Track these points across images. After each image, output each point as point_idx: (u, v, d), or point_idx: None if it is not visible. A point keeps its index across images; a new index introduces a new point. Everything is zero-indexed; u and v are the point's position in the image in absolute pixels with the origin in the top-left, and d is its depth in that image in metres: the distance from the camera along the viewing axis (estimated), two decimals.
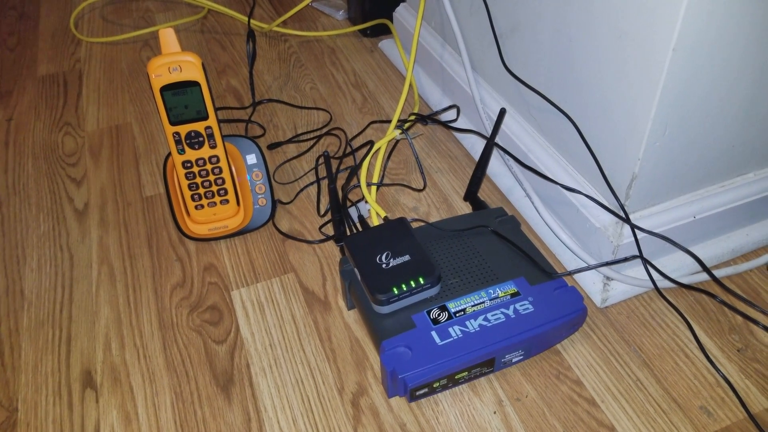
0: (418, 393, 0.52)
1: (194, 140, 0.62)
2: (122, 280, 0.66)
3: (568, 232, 0.64)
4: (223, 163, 0.65)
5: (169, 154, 0.70)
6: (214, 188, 0.66)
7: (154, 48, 1.04)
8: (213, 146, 0.63)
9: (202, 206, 0.67)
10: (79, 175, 0.80)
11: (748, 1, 0.47)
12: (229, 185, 0.67)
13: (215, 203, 0.67)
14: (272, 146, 0.82)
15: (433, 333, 0.53)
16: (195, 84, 0.60)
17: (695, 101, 0.52)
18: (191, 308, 0.63)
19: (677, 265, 0.63)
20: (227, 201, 0.68)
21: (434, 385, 0.52)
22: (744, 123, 0.57)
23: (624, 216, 0.58)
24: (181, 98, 0.60)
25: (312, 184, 0.76)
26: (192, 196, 0.66)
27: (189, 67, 0.59)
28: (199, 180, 0.65)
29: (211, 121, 0.62)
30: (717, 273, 0.62)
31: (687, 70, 0.49)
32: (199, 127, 0.62)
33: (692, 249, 0.61)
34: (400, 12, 0.96)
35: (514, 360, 0.55)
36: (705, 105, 0.53)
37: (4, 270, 0.68)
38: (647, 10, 0.48)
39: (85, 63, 1.02)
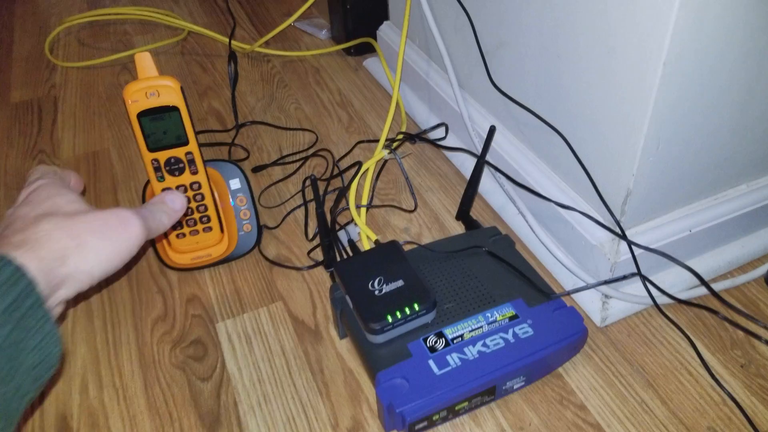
0: (417, 427, 0.49)
1: (174, 167, 0.60)
2: (100, 316, 0.63)
3: (563, 250, 0.63)
4: (205, 190, 0.63)
5: (149, 181, 0.67)
6: (196, 216, 0.64)
7: (132, 71, 1.02)
8: (194, 172, 0.61)
9: (184, 235, 0.65)
10: None
11: (736, 13, 0.46)
12: (211, 212, 0.64)
13: (197, 231, 0.65)
14: (257, 169, 0.80)
15: (431, 362, 0.51)
16: (174, 109, 0.57)
17: (687, 115, 0.51)
18: (174, 343, 0.60)
19: (675, 280, 0.62)
20: (210, 228, 0.65)
21: (434, 418, 0.50)
22: (735, 135, 0.56)
23: (620, 232, 0.57)
24: (160, 124, 0.58)
25: (299, 207, 0.74)
26: (173, 225, 0.64)
27: (167, 92, 0.57)
28: None
29: (192, 146, 0.60)
30: (715, 286, 0.61)
31: (678, 84, 0.48)
32: (179, 152, 0.60)
33: (689, 263, 0.60)
34: (384, 30, 0.95)
35: (515, 387, 0.53)
36: (697, 118, 0.52)
37: None
38: (635, 25, 0.47)
39: (61, 88, 0.99)
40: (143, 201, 0.68)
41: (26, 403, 0.35)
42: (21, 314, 0.34)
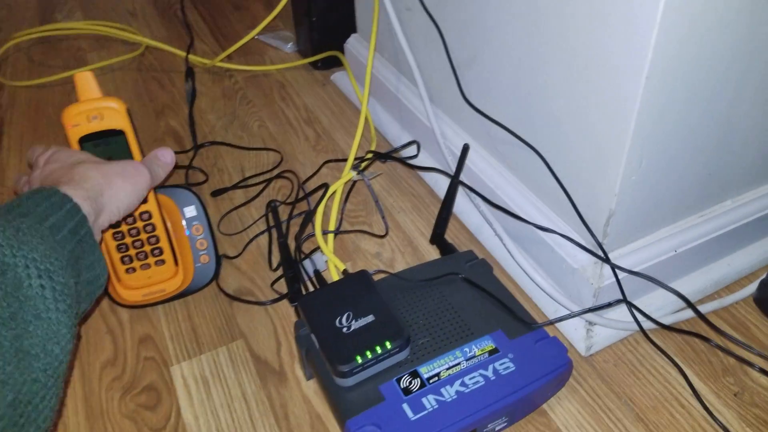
0: None
1: None
2: None
3: (544, 275, 0.59)
4: (155, 219, 0.58)
5: None
6: (147, 248, 0.59)
7: None
8: (143, 201, 0.56)
9: (134, 270, 0.59)
10: None
11: (721, 26, 0.43)
12: (164, 243, 0.59)
13: (149, 265, 0.60)
14: (216, 193, 0.75)
15: (405, 406, 0.47)
16: (119, 133, 0.53)
17: (671, 129, 0.48)
18: (124, 390, 0.55)
19: (662, 303, 0.59)
20: (163, 262, 0.60)
21: None
22: (720, 149, 0.53)
23: (603, 255, 0.53)
24: (104, 149, 0.53)
25: (262, 233, 0.69)
26: (122, 259, 0.58)
27: (111, 115, 0.52)
28: (129, 240, 0.58)
29: None
30: (703, 308, 0.58)
31: (662, 99, 0.45)
32: None
33: (675, 284, 0.57)
34: (352, 43, 0.91)
35: (497, 428, 0.49)
36: (681, 132, 0.49)
37: None
38: (616, 37, 0.44)
39: (8, 109, 0.93)
40: None
41: (83, 310, 0.43)
42: (79, 238, 0.42)
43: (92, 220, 0.44)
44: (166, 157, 0.55)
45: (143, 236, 0.58)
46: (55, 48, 1.08)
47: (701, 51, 0.44)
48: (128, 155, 0.54)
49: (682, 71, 0.45)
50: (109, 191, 0.47)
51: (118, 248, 0.58)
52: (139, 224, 0.57)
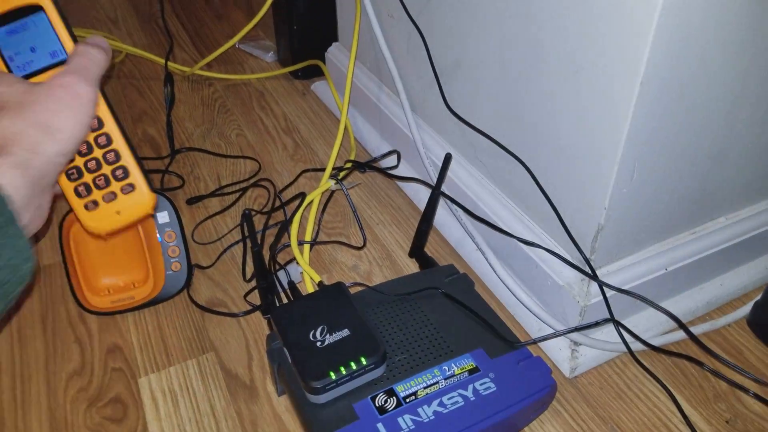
0: None
1: None
2: (8, 370, 0.54)
3: (528, 292, 0.57)
4: (109, 128, 0.41)
5: (67, 213, 0.58)
6: (107, 169, 0.41)
7: None
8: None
9: (96, 203, 0.42)
10: None
11: (717, 39, 0.42)
12: (127, 160, 0.42)
13: (114, 194, 0.42)
14: (192, 201, 0.72)
15: (380, 425, 0.44)
16: (36, 9, 0.39)
17: (665, 140, 0.46)
18: (90, 402, 0.51)
19: (651, 323, 0.57)
20: (132, 187, 0.42)
21: None
22: (714, 164, 0.52)
23: (590, 272, 0.51)
24: (22, 36, 0.39)
25: (236, 243, 0.66)
26: (75, 190, 0.41)
27: None
28: (80, 161, 0.41)
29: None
30: (694, 330, 0.55)
31: (656, 107, 0.43)
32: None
33: (665, 304, 0.55)
34: (333, 52, 0.89)
35: None
36: (676, 144, 0.47)
37: None
38: (608, 39, 0.42)
39: None
40: (60, 235, 0.59)
41: None
42: None
43: (29, 192, 0.36)
44: (101, 43, 0.41)
45: (97, 152, 0.41)
46: None
47: (698, 63, 0.43)
48: (54, 39, 0.39)
49: (678, 81, 0.43)
50: (49, 142, 0.36)
51: (68, 176, 0.41)
52: (91, 136, 0.41)
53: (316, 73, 0.96)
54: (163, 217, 0.60)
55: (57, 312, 0.59)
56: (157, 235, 0.60)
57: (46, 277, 0.63)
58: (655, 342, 0.54)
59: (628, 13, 0.40)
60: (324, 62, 0.93)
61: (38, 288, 0.62)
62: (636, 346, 0.53)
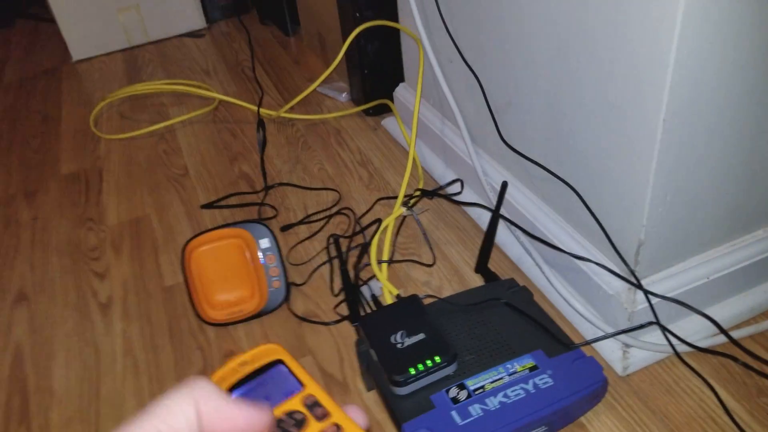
0: None
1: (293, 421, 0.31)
2: (146, 372, 0.67)
3: (581, 300, 0.64)
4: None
5: (188, 241, 0.72)
6: None
7: (169, 140, 1.09)
8: (321, 416, 0.31)
9: None
10: (101, 268, 0.82)
11: (735, 67, 0.49)
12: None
13: None
14: (285, 228, 0.84)
15: (453, 413, 0.53)
16: (276, 363, 0.33)
17: (693, 166, 0.53)
18: None
19: (698, 327, 0.62)
20: None
21: None
22: (747, 182, 0.57)
23: (636, 282, 0.58)
24: (261, 391, 0.31)
25: (324, 264, 0.78)
26: None
27: (264, 353, 0.33)
28: None
29: (311, 387, 0.32)
30: (738, 333, 0.61)
31: (680, 138, 0.50)
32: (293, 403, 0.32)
33: (710, 310, 0.61)
34: (400, 91, 1.00)
35: None
36: (704, 168, 0.54)
37: (34, 367, 0.69)
38: (634, 82, 0.50)
39: (105, 159, 1.07)
40: (182, 261, 0.72)
41: None
42: None
43: None
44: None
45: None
46: (141, 104, 1.23)
47: (718, 91, 0.49)
48: (293, 385, 0.31)
49: (700, 112, 0.50)
50: None
51: None
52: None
53: (385, 110, 1.08)
54: (264, 242, 0.72)
55: (181, 324, 0.72)
56: (261, 258, 0.72)
57: (170, 296, 0.76)
58: (702, 344, 0.60)
59: (647, 59, 0.48)
60: (392, 101, 1.04)
61: (164, 305, 0.75)
62: (682, 348, 0.59)
